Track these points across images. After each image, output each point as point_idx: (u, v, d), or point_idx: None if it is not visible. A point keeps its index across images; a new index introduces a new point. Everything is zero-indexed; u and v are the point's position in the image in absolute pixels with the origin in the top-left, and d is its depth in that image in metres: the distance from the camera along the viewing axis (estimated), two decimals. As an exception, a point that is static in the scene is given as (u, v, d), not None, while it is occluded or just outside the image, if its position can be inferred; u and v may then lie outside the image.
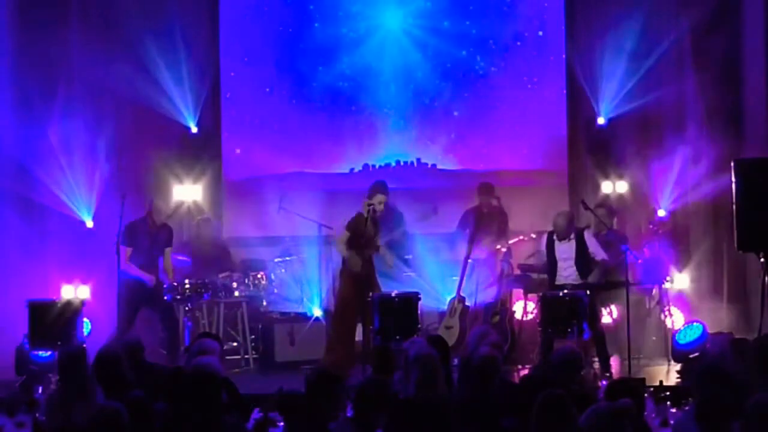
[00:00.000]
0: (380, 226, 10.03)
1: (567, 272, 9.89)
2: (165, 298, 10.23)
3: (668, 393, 7.16)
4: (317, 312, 10.68)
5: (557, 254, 9.92)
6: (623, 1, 12.10)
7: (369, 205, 9.80)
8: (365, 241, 9.80)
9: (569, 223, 9.88)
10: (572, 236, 9.84)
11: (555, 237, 9.96)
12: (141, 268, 10.02)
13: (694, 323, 9.95)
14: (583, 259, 9.80)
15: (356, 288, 9.71)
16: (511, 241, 11.28)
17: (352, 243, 9.81)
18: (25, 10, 11.50)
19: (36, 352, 9.70)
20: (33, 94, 11.26)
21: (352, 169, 12.59)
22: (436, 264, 11.24)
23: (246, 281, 11.06)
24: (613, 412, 4.67)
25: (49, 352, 9.62)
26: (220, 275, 11.00)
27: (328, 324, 10.26)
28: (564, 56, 12.55)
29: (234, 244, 11.93)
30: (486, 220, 11.25)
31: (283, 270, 11.42)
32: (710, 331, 9.92)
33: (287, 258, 11.55)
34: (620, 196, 12.04)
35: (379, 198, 9.84)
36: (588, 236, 9.99)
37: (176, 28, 11.98)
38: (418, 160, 12.69)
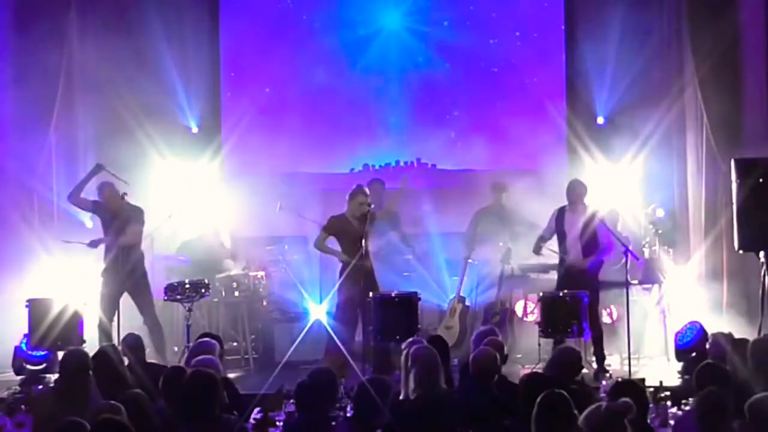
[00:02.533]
0: (375, 224, 10.11)
1: (573, 252, 9.90)
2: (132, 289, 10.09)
3: (668, 393, 7.16)
4: (317, 312, 10.67)
5: (566, 227, 9.97)
6: (623, 0, 12.10)
7: (369, 205, 9.85)
8: (363, 240, 9.81)
9: (583, 190, 10.02)
10: (584, 209, 9.92)
11: (566, 207, 10.03)
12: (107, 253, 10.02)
13: (694, 323, 9.92)
14: (587, 235, 9.84)
15: (356, 288, 9.72)
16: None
17: (348, 245, 9.85)
18: (25, 10, 11.50)
19: (35, 352, 9.69)
20: (33, 92, 11.23)
21: (352, 169, 12.61)
22: (440, 262, 11.25)
23: (246, 281, 11.06)
24: (613, 412, 4.66)
25: (47, 352, 9.63)
26: (218, 276, 11.02)
27: (328, 324, 10.25)
28: (564, 56, 12.55)
29: (234, 244, 11.92)
30: (495, 220, 11.27)
31: (283, 270, 11.42)
32: (710, 331, 9.89)
33: (287, 258, 11.54)
34: (620, 196, 12.02)
35: (360, 199, 9.92)
36: (599, 224, 10.01)
37: (177, 28, 12.02)
38: (418, 160, 12.69)
